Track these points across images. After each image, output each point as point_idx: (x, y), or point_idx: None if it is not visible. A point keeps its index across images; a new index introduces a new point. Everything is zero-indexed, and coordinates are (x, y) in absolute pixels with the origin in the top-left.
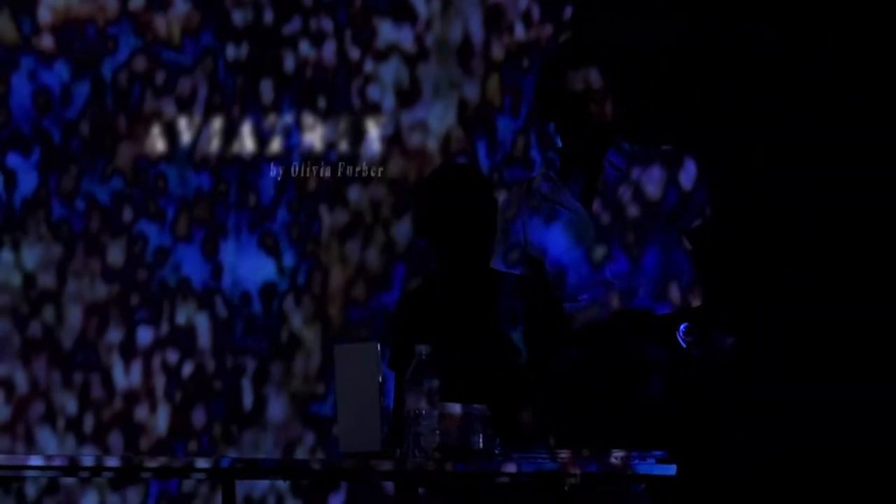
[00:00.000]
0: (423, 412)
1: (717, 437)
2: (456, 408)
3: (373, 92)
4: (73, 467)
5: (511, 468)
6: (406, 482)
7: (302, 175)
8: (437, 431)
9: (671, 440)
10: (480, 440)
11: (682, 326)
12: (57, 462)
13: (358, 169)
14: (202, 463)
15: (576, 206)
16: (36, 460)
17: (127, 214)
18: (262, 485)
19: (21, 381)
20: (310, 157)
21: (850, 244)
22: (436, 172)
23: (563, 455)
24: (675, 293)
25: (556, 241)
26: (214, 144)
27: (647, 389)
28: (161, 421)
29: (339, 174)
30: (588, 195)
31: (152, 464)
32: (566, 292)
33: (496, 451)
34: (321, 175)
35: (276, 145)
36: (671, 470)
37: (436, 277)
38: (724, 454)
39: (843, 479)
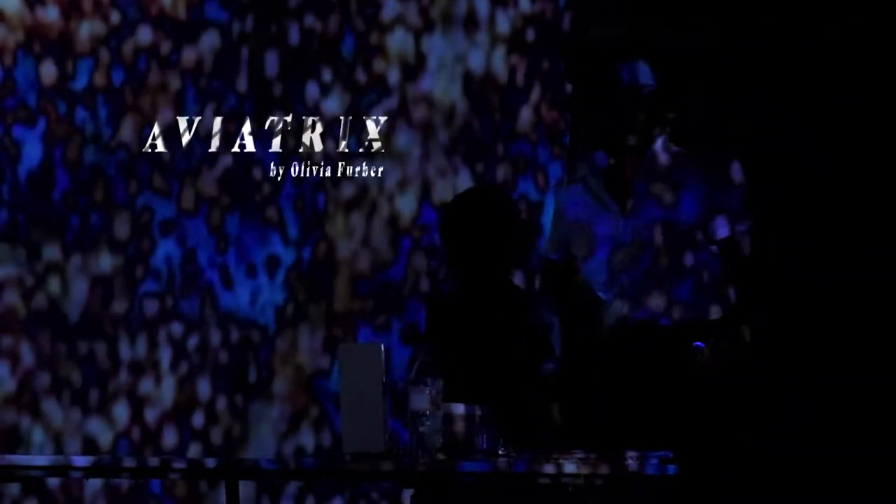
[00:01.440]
0: (427, 412)
1: (718, 437)
2: (459, 408)
3: (378, 65)
4: (70, 467)
5: (514, 468)
6: (409, 482)
7: (302, 175)
8: (441, 432)
9: (674, 441)
10: (484, 440)
11: (697, 343)
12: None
13: (358, 168)
14: (205, 462)
15: (611, 205)
16: (30, 460)
17: (132, 187)
18: None
19: (26, 354)
20: (310, 156)
21: (857, 249)
22: (461, 195)
23: (565, 455)
24: (701, 302)
25: (591, 237)
26: (218, 121)
27: (652, 392)
28: (166, 394)
29: (339, 174)
30: (626, 193)
31: (154, 462)
32: (596, 288)
33: (500, 451)
34: (322, 174)
35: (277, 137)
36: (673, 470)
37: (456, 296)
38: (724, 454)
39: (844, 480)
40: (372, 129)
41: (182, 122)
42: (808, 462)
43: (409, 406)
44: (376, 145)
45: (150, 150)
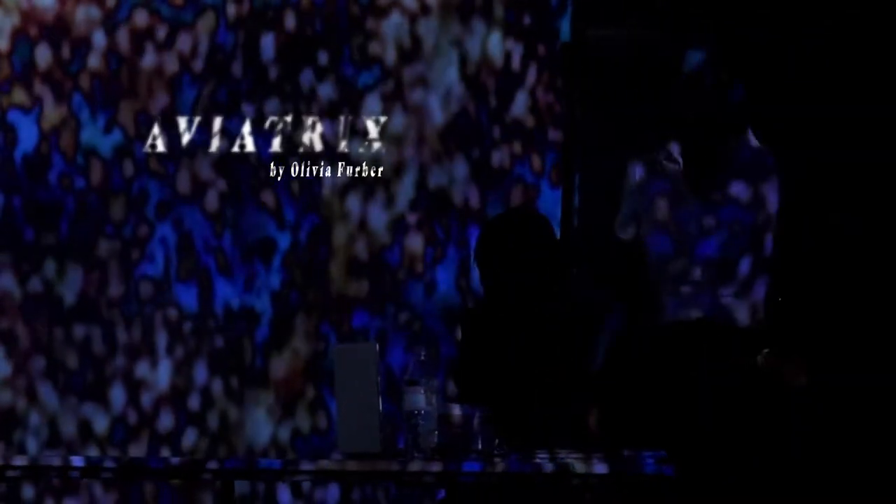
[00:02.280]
0: (422, 412)
1: (718, 437)
2: (455, 408)
3: (374, 48)
4: (65, 467)
5: (509, 468)
6: (405, 482)
7: (302, 174)
8: (436, 431)
9: (673, 441)
10: (479, 440)
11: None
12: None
13: (357, 168)
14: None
15: (686, 194)
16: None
17: (128, 169)
18: None
19: (22, 337)
20: (310, 156)
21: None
22: (499, 217)
23: (563, 455)
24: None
25: (659, 225)
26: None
27: (652, 391)
28: (162, 377)
29: (339, 174)
30: (705, 183)
31: (154, 463)
32: (662, 278)
33: (495, 451)
34: (321, 174)
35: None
36: (668, 470)
37: (491, 312)
38: (724, 454)
39: (845, 481)
40: (372, 128)
41: (182, 122)
42: (809, 462)
43: (404, 406)
44: (376, 145)
45: (150, 150)
